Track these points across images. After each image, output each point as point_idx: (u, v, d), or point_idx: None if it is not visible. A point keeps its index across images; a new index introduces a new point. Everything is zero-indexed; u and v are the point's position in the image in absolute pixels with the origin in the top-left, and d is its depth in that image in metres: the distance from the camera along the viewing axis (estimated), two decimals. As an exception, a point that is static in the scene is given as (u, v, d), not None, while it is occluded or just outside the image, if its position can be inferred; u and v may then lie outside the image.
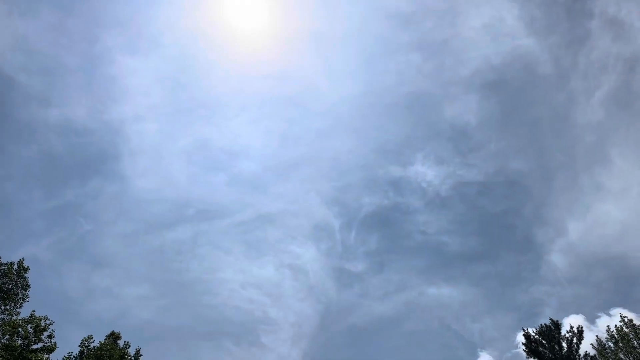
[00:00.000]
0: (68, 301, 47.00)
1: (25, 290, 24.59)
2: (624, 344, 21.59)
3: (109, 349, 21.31)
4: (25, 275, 24.88)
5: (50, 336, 21.04)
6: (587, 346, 22.64)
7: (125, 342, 22.97)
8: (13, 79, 52.78)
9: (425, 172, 61.71)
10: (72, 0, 55.72)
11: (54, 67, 55.26)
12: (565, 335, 23.37)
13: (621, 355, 21.55)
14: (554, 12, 59.17)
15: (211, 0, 59.15)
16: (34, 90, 54.16)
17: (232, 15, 59.69)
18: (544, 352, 23.39)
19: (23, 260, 25.73)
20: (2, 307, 23.43)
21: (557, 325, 23.99)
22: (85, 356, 21.41)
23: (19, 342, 20.66)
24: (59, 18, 54.85)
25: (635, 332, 21.64)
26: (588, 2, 57.89)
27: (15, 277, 24.90)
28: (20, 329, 20.89)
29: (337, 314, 55.85)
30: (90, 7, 56.56)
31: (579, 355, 22.64)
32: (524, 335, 24.15)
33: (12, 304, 23.81)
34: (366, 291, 57.95)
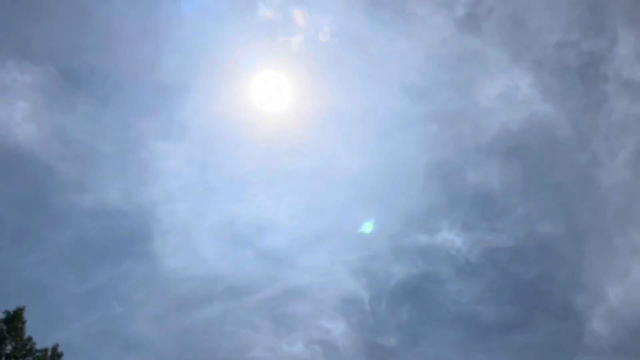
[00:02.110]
0: (99, 386, 47.64)
1: (59, 377, 25.66)
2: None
3: None
4: (60, 361, 26.11)
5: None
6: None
7: None
8: (51, 167, 56.73)
9: (453, 239, 61.64)
10: (107, 92, 60.61)
11: (89, 154, 59.31)
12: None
13: None
14: (568, 78, 60.93)
15: (236, 86, 63.46)
16: (70, 177, 57.91)
17: (256, 97, 63.61)
18: None
19: (57, 345, 27.01)
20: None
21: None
22: None
23: None
24: (95, 109, 59.60)
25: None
26: (601, 67, 59.57)
27: (49, 364, 26.10)
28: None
29: (370, 392, 54.47)
30: (124, 97, 61.40)
31: None
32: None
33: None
34: (400, 367, 56.69)
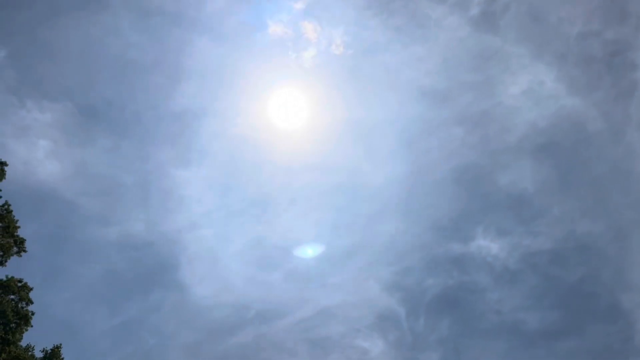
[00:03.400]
0: (137, 421, 47.35)
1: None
2: None
3: None
4: (99, 398, 25.80)
5: None
6: None
7: None
8: (74, 203, 57.40)
9: (489, 245, 60.30)
10: (125, 124, 61.51)
11: (112, 187, 59.92)
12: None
13: None
14: (594, 69, 59.87)
15: (252, 106, 63.87)
16: (94, 211, 58.50)
17: (274, 115, 63.98)
18: None
19: (96, 382, 26.74)
20: None
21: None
22: None
23: None
24: (114, 142, 60.44)
25: None
26: (628, 55, 58.46)
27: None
28: None
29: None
30: (142, 128, 62.21)
31: None
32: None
33: None
34: (445, 384, 55.16)
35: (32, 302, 24.73)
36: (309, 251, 62.30)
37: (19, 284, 24.64)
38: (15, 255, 24.94)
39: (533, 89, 60.79)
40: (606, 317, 55.54)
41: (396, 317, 59.03)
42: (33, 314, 24.70)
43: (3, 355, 22.21)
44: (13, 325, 24.05)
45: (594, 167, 60.96)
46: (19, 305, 24.59)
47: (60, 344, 25.99)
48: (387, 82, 63.99)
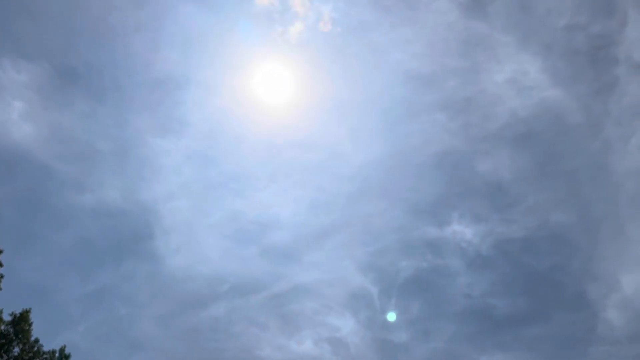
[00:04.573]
0: (105, 388, 48.29)
1: (68, 379, 26.02)
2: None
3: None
4: (68, 363, 26.45)
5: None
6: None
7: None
8: (49, 167, 57.03)
9: (463, 230, 61.80)
10: (104, 89, 60.84)
11: (88, 152, 59.57)
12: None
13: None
14: (578, 62, 60.76)
15: (236, 78, 63.56)
16: (68, 176, 58.24)
17: (257, 89, 63.72)
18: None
19: (65, 347, 27.36)
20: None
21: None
22: None
23: None
24: (92, 106, 59.85)
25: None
26: (612, 49, 59.39)
27: (57, 366, 26.44)
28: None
29: (382, 389, 54.95)
30: (121, 93, 61.56)
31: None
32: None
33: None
34: (413, 363, 57.05)
35: (1, 265, 25.06)
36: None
37: (-12, 246, 24.90)
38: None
39: (517, 79, 61.59)
40: (572, 306, 57.76)
41: (369, 297, 60.56)
42: (2, 276, 25.01)
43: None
44: (-19, 287, 24.42)
45: (571, 159, 62.47)
46: (-12, 267, 24.88)
47: (30, 309, 26.47)
48: (373, 63, 64.14)
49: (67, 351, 27.18)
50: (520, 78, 61.60)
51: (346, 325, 58.79)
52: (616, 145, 60.52)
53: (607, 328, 54.26)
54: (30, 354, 25.59)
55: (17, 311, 25.95)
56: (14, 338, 25.24)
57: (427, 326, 59.37)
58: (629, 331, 52.93)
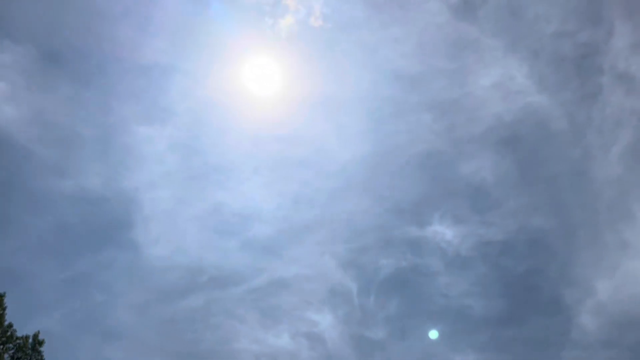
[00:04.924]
0: (78, 375, 48.02)
1: (41, 365, 25.97)
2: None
3: None
4: (41, 349, 26.42)
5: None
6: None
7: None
8: (29, 150, 56.38)
9: (444, 231, 62.57)
10: (89, 73, 60.19)
11: (70, 137, 58.97)
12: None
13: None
14: (564, 69, 61.72)
15: (224, 69, 63.29)
16: (49, 161, 57.64)
17: (245, 81, 63.51)
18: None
19: (38, 333, 27.30)
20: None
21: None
22: None
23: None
24: (76, 91, 59.20)
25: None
26: (597, 58, 60.44)
27: (30, 352, 26.40)
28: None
29: (356, 385, 55.49)
30: (106, 79, 60.95)
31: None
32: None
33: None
34: (388, 360, 57.77)
35: (-23, 249, 24.84)
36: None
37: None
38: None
39: (503, 83, 62.36)
40: (547, 310, 58.89)
41: (348, 293, 61.07)
42: (-23, 260, 24.84)
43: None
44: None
45: (552, 165, 63.50)
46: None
47: (4, 293, 26.34)
48: (362, 61, 64.40)
49: (41, 337, 27.14)
50: (506, 82, 62.41)
51: (324, 321, 59.28)
52: (597, 154, 61.72)
53: (580, 333, 55.50)
54: (4, 339, 25.50)
55: (-9, 295, 25.83)
56: (-13, 322, 25.15)
57: (404, 324, 60.18)
58: (602, 336, 54.20)
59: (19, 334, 26.46)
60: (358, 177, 64.99)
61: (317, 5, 61.69)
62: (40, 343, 26.96)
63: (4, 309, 25.87)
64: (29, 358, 26.28)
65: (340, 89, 65.23)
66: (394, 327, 59.64)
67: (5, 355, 25.30)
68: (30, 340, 26.66)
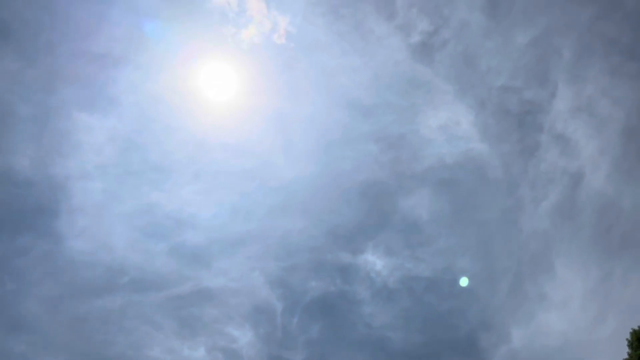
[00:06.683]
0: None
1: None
2: None
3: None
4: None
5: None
6: None
7: None
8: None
9: (375, 261, 64.55)
10: (36, 51, 58.61)
11: (5, 114, 57.04)
12: None
13: None
14: (507, 122, 66.04)
15: (178, 68, 63.29)
16: (-22, 135, 55.47)
17: (199, 84, 63.80)
18: None
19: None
20: None
21: None
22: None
23: None
24: (19, 67, 57.48)
25: None
26: (538, 117, 65.19)
27: None
28: None
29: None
30: (53, 60, 59.46)
31: None
32: None
33: None
34: (302, 384, 58.47)
35: None
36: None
37: None
38: None
39: (449, 126, 65.92)
40: (463, 351, 61.63)
41: (272, 312, 61.51)
42: None
43: None
44: None
45: (485, 211, 67.26)
46: None
47: None
48: (318, 83, 66.30)
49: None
50: (452, 126, 66.01)
51: (244, 338, 59.39)
52: (527, 206, 65.92)
53: (492, 377, 58.43)
54: None
55: None
56: None
57: (324, 350, 61.19)
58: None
59: None
60: (299, 197, 66.16)
61: (283, 22, 63.23)
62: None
63: None
64: None
65: (294, 108, 66.70)
66: (313, 351, 60.56)
67: None
68: None
